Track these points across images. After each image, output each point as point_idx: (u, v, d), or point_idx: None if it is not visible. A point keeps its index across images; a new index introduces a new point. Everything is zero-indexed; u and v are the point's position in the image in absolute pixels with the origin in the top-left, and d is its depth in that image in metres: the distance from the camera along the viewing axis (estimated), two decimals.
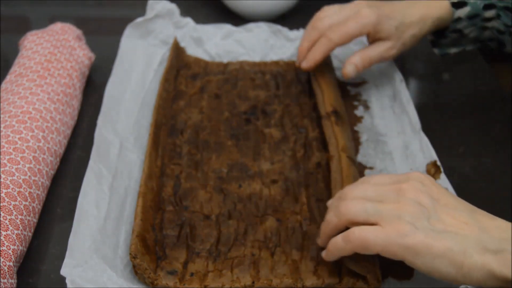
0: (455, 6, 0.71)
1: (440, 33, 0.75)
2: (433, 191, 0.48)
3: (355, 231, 0.47)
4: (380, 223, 0.47)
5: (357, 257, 0.51)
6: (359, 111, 0.74)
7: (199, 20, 0.86)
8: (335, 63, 0.80)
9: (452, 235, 0.45)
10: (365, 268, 0.52)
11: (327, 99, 0.69)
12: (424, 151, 0.65)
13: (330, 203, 0.53)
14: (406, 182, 0.49)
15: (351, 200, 0.49)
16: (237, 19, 0.90)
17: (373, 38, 0.71)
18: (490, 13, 0.71)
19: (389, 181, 0.50)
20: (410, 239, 0.45)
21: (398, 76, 0.75)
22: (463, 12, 0.71)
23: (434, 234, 0.45)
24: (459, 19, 0.72)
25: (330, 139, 0.65)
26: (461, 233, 0.45)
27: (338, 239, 0.49)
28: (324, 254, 0.52)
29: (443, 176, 0.61)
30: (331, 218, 0.51)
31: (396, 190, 0.48)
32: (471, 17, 0.71)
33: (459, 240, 0.45)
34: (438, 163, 0.62)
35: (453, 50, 0.77)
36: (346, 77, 0.71)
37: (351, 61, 0.71)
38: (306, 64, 0.72)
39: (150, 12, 0.82)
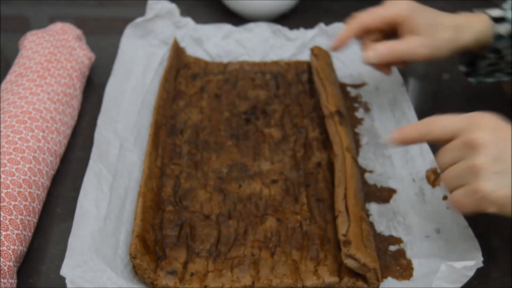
0: (495, 20, 0.66)
1: (473, 64, 0.71)
2: None
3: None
4: None
5: (356, 256, 0.51)
6: (360, 113, 0.74)
7: (199, 20, 0.86)
8: (336, 63, 0.80)
9: None
10: (365, 267, 0.52)
11: (331, 98, 0.69)
12: (424, 156, 0.64)
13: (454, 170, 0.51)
14: None
15: (489, 180, 0.48)
16: (237, 19, 0.90)
17: (403, 31, 0.66)
18: None
19: None
20: None
21: (399, 80, 0.75)
22: (503, 28, 0.66)
23: None
24: (500, 37, 0.66)
25: (334, 138, 0.65)
26: None
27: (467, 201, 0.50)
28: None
29: (443, 184, 0.61)
30: (465, 199, 0.50)
31: None
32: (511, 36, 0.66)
33: None
34: (439, 170, 0.62)
35: (488, 80, 0.72)
36: (366, 61, 0.67)
37: (376, 47, 0.66)
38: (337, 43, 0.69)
39: (150, 12, 0.82)
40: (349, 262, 0.52)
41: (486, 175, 0.48)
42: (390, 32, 0.68)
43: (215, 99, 0.75)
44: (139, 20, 0.81)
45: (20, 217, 0.55)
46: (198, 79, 0.78)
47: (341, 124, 0.66)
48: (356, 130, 0.71)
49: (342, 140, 0.64)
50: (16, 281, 0.53)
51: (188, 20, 0.84)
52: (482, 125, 0.50)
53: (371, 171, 0.66)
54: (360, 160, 0.67)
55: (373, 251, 0.53)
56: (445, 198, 0.60)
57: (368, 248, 0.53)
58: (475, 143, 0.49)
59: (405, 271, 0.55)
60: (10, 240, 0.52)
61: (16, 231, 0.53)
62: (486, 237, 0.58)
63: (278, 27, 0.84)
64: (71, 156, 0.68)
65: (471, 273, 0.50)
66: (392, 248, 0.58)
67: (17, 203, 0.55)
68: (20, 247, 0.54)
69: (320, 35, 0.84)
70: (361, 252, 0.52)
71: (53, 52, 0.72)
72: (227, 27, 0.84)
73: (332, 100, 0.69)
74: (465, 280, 0.50)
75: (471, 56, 0.71)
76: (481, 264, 0.51)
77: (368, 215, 0.60)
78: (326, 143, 0.68)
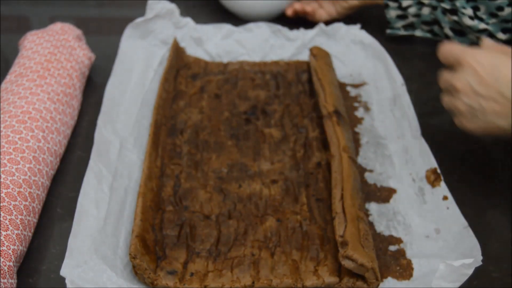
0: None
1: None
2: None
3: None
4: None
5: (354, 257, 0.51)
6: (360, 113, 0.74)
7: (199, 20, 0.86)
8: (336, 63, 0.80)
9: None
10: (363, 267, 0.52)
11: (329, 99, 0.69)
12: (424, 156, 0.64)
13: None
14: None
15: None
16: (237, 19, 0.90)
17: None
18: None
19: None
20: None
21: (399, 79, 0.75)
22: None
23: None
24: None
25: (332, 138, 0.65)
26: None
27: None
28: None
29: (442, 184, 0.61)
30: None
31: None
32: None
33: None
34: (438, 170, 0.62)
35: (401, 33, 0.86)
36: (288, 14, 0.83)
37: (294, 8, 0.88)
38: None
39: (150, 12, 0.82)
40: (347, 263, 0.52)
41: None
42: None
43: (215, 99, 0.75)
44: (139, 20, 0.81)
45: (20, 217, 0.55)
46: (198, 79, 0.78)
47: (339, 124, 0.66)
48: (356, 129, 0.71)
49: (339, 140, 0.64)
50: (16, 281, 0.53)
51: (188, 20, 0.84)
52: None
53: (371, 171, 0.66)
54: (360, 159, 0.67)
55: (371, 250, 0.53)
56: (445, 198, 0.60)
57: (366, 248, 0.53)
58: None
59: (405, 271, 0.55)
60: (10, 240, 0.52)
61: (16, 231, 0.53)
62: (486, 237, 0.58)
63: (278, 27, 0.84)
64: (71, 156, 0.68)
65: (470, 271, 0.50)
66: (392, 248, 0.58)
67: (17, 203, 0.55)
68: (20, 247, 0.54)
69: (320, 35, 0.84)
70: (358, 252, 0.52)
71: (53, 52, 0.72)
72: (227, 27, 0.84)
73: (330, 100, 0.69)
74: (464, 278, 0.50)
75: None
76: (479, 263, 0.51)
77: (367, 215, 0.60)
78: (326, 143, 0.68)
